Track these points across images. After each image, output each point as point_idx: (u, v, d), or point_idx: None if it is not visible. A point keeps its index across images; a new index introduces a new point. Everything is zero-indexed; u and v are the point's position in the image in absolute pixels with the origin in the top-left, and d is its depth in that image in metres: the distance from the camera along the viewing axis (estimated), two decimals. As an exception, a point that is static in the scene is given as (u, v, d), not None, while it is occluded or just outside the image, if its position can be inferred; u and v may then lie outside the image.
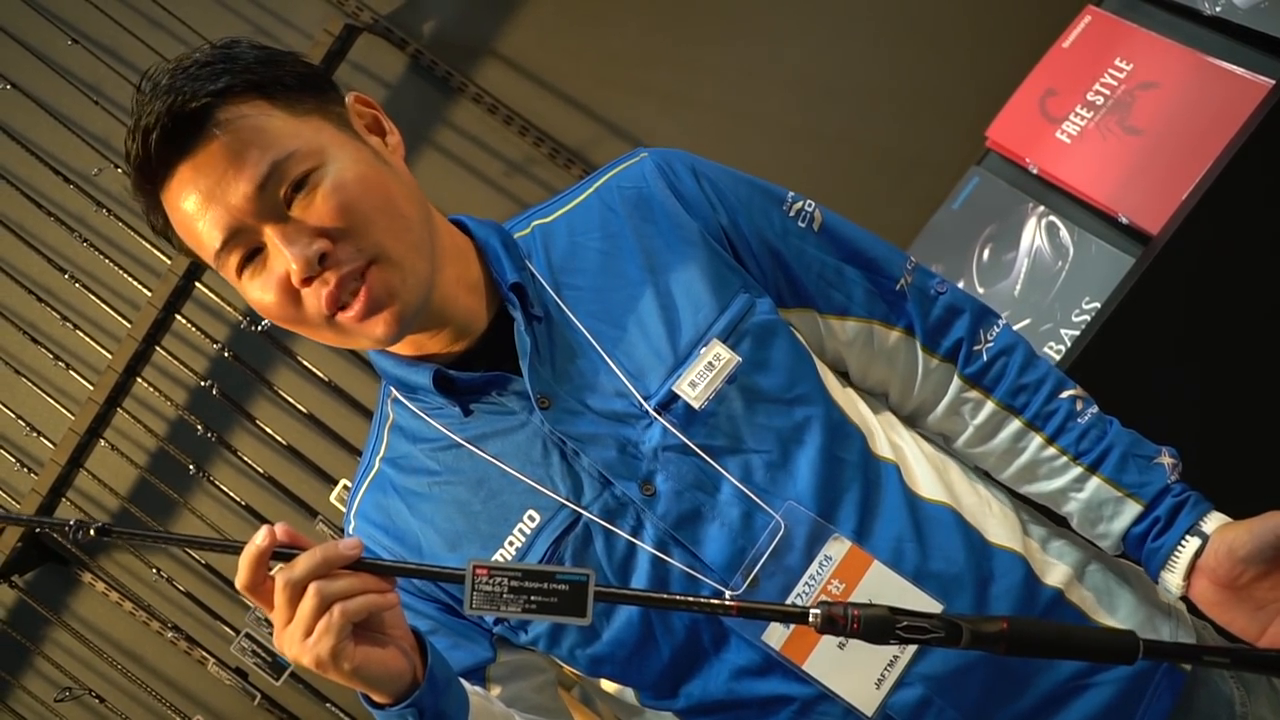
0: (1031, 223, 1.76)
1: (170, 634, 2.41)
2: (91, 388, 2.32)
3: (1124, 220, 1.65)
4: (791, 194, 1.14)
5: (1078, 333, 1.65)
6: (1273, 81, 1.57)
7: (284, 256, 0.97)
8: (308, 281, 0.97)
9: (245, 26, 2.45)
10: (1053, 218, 1.74)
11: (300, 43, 2.40)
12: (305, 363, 2.34)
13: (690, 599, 0.88)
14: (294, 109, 1.00)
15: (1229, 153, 1.56)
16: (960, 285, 1.81)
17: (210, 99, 0.96)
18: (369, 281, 0.98)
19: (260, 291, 1.00)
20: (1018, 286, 1.75)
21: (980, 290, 1.78)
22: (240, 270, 1.00)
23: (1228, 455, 1.50)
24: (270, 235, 0.97)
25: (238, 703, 2.47)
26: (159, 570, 2.41)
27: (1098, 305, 1.64)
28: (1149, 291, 1.56)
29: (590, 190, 1.14)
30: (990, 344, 1.14)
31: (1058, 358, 1.65)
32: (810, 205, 1.13)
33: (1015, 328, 1.72)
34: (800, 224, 1.12)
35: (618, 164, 1.15)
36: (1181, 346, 1.60)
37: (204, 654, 2.37)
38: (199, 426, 2.35)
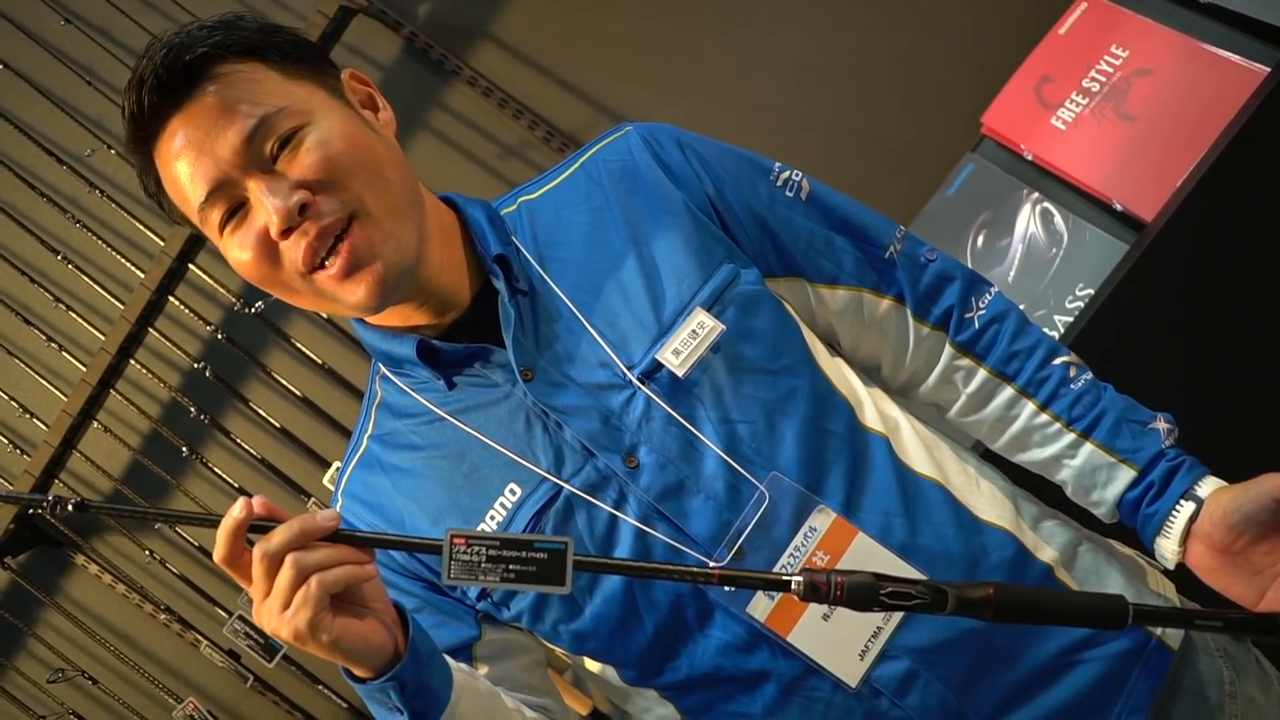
0: (1026, 209, 1.76)
1: (163, 616, 2.41)
2: (84, 369, 2.32)
3: (1118, 207, 1.65)
4: (778, 164, 1.13)
5: (1071, 319, 1.65)
6: (1267, 69, 1.57)
7: (265, 208, 0.97)
8: (286, 234, 0.98)
9: (239, 7, 2.44)
10: (1047, 204, 1.74)
11: (294, 24, 2.37)
12: (299, 345, 2.34)
13: (671, 567, 0.88)
14: (288, 73, 1.02)
15: (1223, 140, 1.56)
16: (954, 271, 1.81)
17: (207, 50, 0.98)
18: (351, 236, 0.98)
19: (239, 249, 1.00)
20: (1012, 273, 1.75)
21: (974, 276, 1.78)
22: (222, 227, 1.01)
23: (1220, 441, 1.51)
24: (253, 188, 0.98)
25: (230, 685, 2.47)
26: (152, 552, 2.41)
27: (1091, 291, 1.64)
28: (1143, 278, 1.56)
29: (576, 165, 1.14)
30: (982, 311, 1.13)
31: (1051, 344, 1.65)
32: (797, 175, 1.13)
33: (1008, 313, 1.73)
34: (788, 193, 1.12)
35: (603, 138, 1.15)
36: (1175, 333, 1.60)
37: (197, 636, 2.37)
38: (192, 408, 2.34)
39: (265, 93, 0.99)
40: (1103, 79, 1.73)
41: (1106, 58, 1.74)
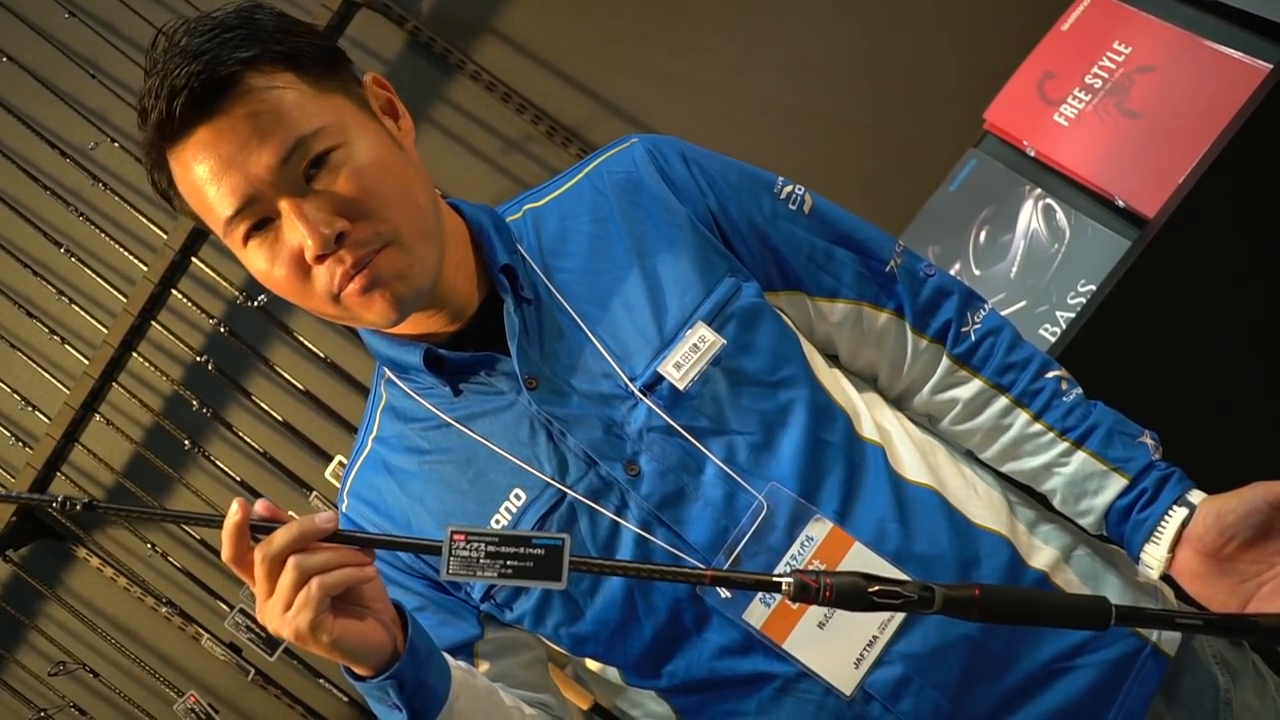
0: (1028, 205, 1.76)
1: (164, 609, 2.41)
2: (87, 363, 2.32)
3: (1120, 203, 1.65)
4: (781, 179, 1.15)
5: (1073, 315, 1.65)
6: (1270, 66, 1.57)
7: (299, 231, 0.96)
8: (321, 259, 0.97)
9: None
10: (1049, 200, 1.74)
11: (299, 18, 2.39)
12: (302, 339, 2.34)
13: (666, 568, 0.89)
14: (319, 85, 1.00)
15: (1226, 136, 1.56)
16: (957, 267, 1.81)
17: (240, 67, 0.96)
18: (376, 262, 0.98)
19: (267, 264, 1.00)
20: (1014, 269, 1.75)
21: (976, 272, 1.78)
22: (246, 239, 1.00)
23: (1220, 438, 1.51)
24: (286, 209, 0.97)
25: (231, 678, 2.48)
26: (153, 546, 2.41)
27: (1093, 288, 1.64)
28: (1144, 275, 1.56)
29: (581, 175, 1.15)
30: (978, 325, 1.15)
31: (1052, 340, 1.65)
32: (800, 189, 1.15)
33: (1010, 310, 1.73)
34: (790, 207, 1.13)
35: (609, 149, 1.16)
36: (1176, 330, 1.61)
37: (198, 629, 2.37)
38: (194, 402, 2.35)
39: (300, 110, 0.97)
40: (1105, 75, 1.73)
41: (1109, 54, 1.74)
